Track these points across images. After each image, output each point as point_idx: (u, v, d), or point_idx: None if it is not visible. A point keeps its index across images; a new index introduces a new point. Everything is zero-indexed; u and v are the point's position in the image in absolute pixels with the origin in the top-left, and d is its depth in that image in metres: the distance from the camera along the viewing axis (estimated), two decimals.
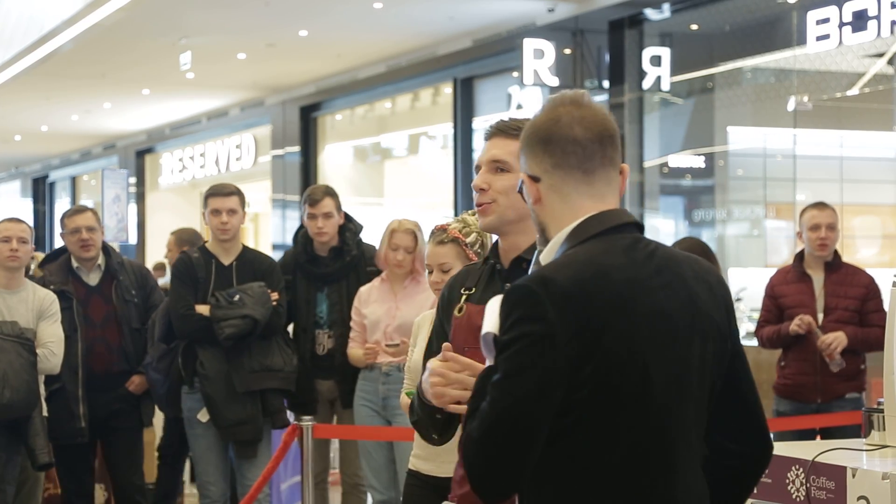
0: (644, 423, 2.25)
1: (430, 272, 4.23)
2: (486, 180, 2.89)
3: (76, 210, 6.49)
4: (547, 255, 2.40)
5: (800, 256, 6.38)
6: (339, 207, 6.29)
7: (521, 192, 2.48)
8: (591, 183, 2.38)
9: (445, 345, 2.71)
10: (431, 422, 2.85)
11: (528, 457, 2.21)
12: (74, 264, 6.39)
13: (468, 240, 4.12)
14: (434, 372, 2.65)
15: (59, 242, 6.62)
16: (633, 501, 2.26)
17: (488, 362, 2.32)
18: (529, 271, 2.57)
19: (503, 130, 2.92)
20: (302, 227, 6.37)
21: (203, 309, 5.94)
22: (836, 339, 6.02)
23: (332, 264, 6.27)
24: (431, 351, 3.01)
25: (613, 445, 2.24)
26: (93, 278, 6.40)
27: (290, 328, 6.39)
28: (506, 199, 2.88)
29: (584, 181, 2.37)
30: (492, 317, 2.33)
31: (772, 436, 2.56)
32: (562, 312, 2.20)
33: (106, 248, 6.46)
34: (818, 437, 5.89)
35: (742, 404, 2.44)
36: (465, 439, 2.24)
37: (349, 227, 6.32)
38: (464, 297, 2.95)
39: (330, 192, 6.30)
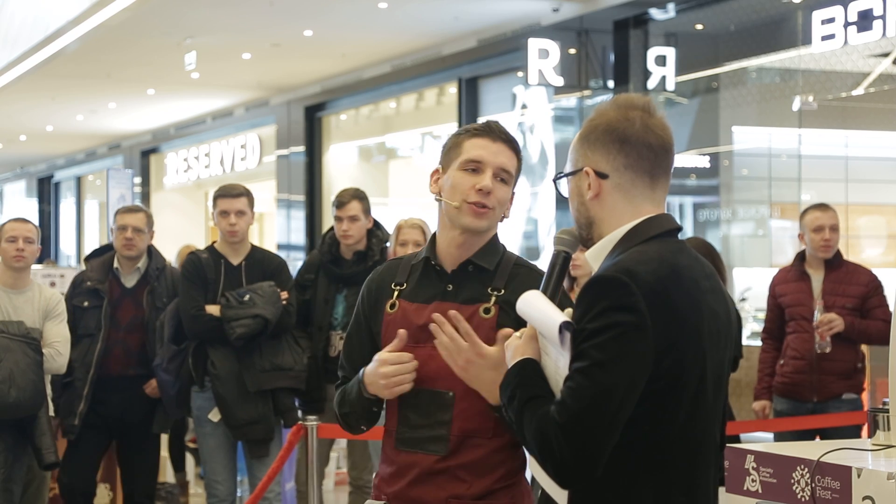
0: (697, 417, 2.39)
1: None
2: (494, 186, 2.89)
3: (129, 209, 6.47)
4: (599, 252, 2.47)
5: (801, 256, 6.39)
6: (366, 211, 6.30)
7: (556, 181, 2.54)
8: (654, 188, 2.48)
9: (401, 332, 2.82)
10: (366, 414, 2.93)
11: (612, 442, 2.29)
12: (115, 264, 6.39)
13: None
14: (387, 361, 2.80)
15: (64, 243, 6.62)
16: (684, 489, 2.40)
17: (554, 351, 2.35)
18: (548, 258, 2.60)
19: (510, 142, 2.94)
20: (333, 227, 6.39)
21: (213, 309, 5.95)
22: (832, 321, 6.04)
23: (354, 267, 6.28)
24: (352, 344, 3.03)
25: (671, 436, 2.36)
26: (130, 280, 6.38)
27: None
28: (500, 210, 2.93)
29: (650, 186, 2.47)
30: (546, 307, 2.38)
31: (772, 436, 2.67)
32: (650, 305, 2.29)
33: (150, 253, 6.45)
34: (817, 438, 5.88)
35: (725, 400, 2.60)
36: (545, 425, 2.27)
37: (376, 234, 6.33)
38: (396, 292, 2.95)
39: (358, 196, 6.30)
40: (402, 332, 2.83)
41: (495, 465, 2.85)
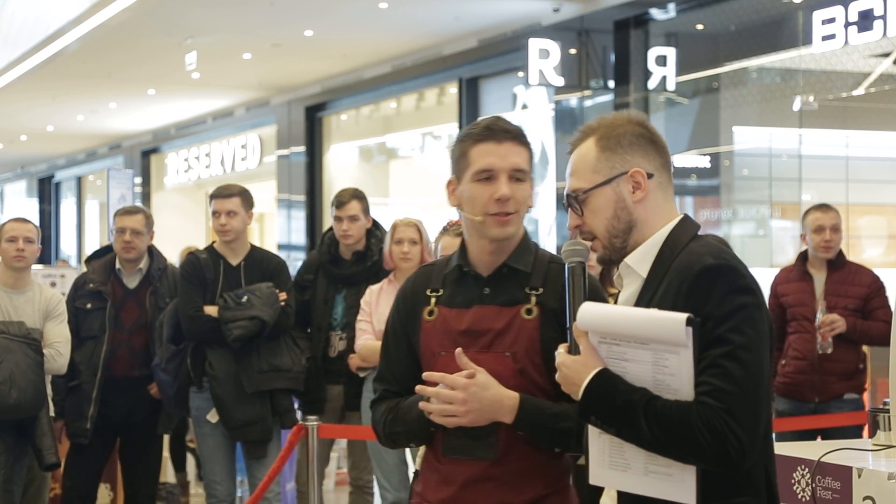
0: (771, 383, 2.50)
1: None
2: (511, 190, 2.82)
3: (126, 210, 6.47)
4: (644, 255, 2.50)
5: (803, 256, 6.38)
6: (366, 211, 6.29)
7: (577, 199, 2.53)
8: (672, 188, 2.58)
9: (464, 362, 2.74)
10: (422, 434, 2.88)
11: None
12: (117, 265, 6.39)
13: None
14: (447, 398, 2.72)
15: (64, 243, 6.62)
16: (773, 461, 2.49)
17: (649, 353, 2.34)
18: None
19: (516, 137, 2.84)
20: (331, 227, 6.38)
21: (211, 310, 5.94)
22: (834, 322, 6.04)
23: (353, 267, 6.27)
24: (390, 356, 2.97)
25: (769, 411, 2.44)
26: (132, 281, 6.37)
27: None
28: (524, 210, 2.87)
29: (671, 185, 2.57)
30: (641, 311, 2.38)
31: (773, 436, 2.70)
32: (756, 285, 2.40)
33: (151, 253, 6.45)
34: (818, 438, 5.88)
35: None
36: (707, 417, 2.28)
37: (375, 234, 6.32)
38: (433, 298, 2.90)
39: (357, 196, 6.30)
40: (465, 363, 2.74)
41: (543, 470, 2.82)
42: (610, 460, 2.41)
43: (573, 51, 11.54)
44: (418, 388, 2.78)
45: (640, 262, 2.50)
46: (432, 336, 2.86)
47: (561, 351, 2.47)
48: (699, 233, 2.54)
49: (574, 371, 2.42)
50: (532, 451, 2.79)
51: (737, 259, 2.42)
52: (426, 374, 2.77)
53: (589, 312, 2.42)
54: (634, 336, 2.35)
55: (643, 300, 2.45)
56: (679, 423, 2.29)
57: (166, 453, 7.85)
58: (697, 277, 2.36)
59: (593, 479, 2.46)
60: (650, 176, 2.50)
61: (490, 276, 2.87)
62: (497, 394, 2.72)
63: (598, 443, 2.43)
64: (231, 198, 5.99)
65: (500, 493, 2.79)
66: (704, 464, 2.31)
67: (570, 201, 2.55)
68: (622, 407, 2.35)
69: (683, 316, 2.29)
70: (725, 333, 2.31)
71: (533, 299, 2.81)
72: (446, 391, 2.72)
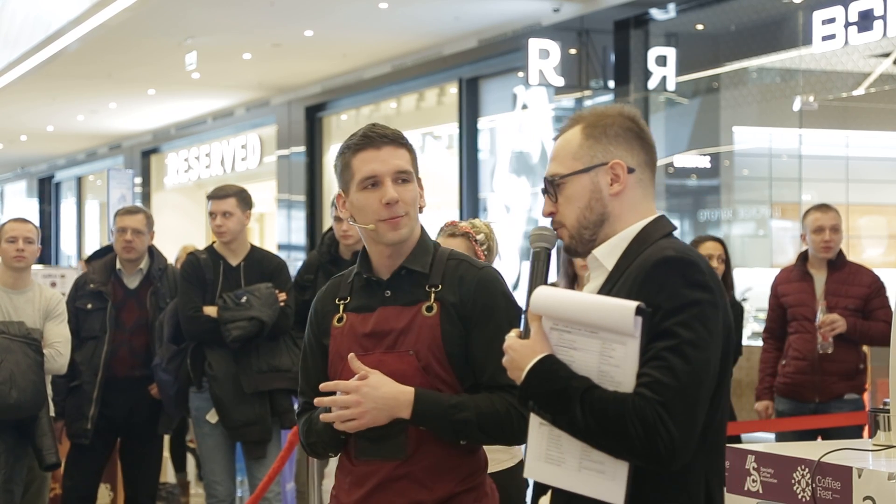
0: (728, 391, 2.42)
1: None
2: (398, 192, 2.87)
3: (127, 210, 6.48)
4: (613, 249, 2.47)
5: (803, 256, 6.38)
6: None
7: (553, 184, 2.50)
8: (654, 187, 2.54)
9: (354, 364, 2.80)
10: (334, 442, 2.91)
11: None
12: (118, 265, 6.39)
13: (478, 237, 4.17)
14: (343, 403, 2.76)
15: (64, 243, 6.62)
16: (721, 476, 2.44)
17: (596, 341, 2.32)
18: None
19: (394, 140, 2.90)
20: (331, 227, 6.37)
21: (211, 310, 5.94)
22: (835, 322, 6.04)
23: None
24: (308, 368, 3.02)
25: (719, 420, 2.40)
26: (132, 281, 6.38)
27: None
28: (414, 211, 2.92)
29: (653, 184, 2.53)
30: (592, 297, 2.36)
31: (773, 436, 2.70)
32: (715, 285, 2.35)
33: (152, 253, 6.45)
34: (819, 438, 5.88)
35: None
36: (640, 408, 2.23)
37: None
38: (341, 306, 2.96)
39: None
40: (355, 364, 2.80)
41: (456, 467, 2.84)
42: (546, 453, 2.37)
43: (573, 51, 11.54)
44: (316, 400, 2.83)
45: (607, 255, 2.47)
46: (340, 341, 2.92)
47: (511, 334, 2.45)
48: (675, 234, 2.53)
49: (520, 355, 2.39)
50: (442, 449, 2.81)
51: (702, 258, 2.39)
52: (322, 385, 2.83)
53: (542, 296, 2.40)
54: (584, 322, 2.33)
55: (603, 292, 2.42)
56: (613, 412, 2.24)
57: (166, 453, 7.85)
58: (653, 267, 2.33)
59: (527, 472, 2.43)
60: (631, 171, 2.46)
61: (390, 279, 2.92)
62: (390, 390, 2.76)
63: (537, 434, 2.40)
64: (227, 199, 5.98)
65: (411, 491, 2.81)
66: (633, 457, 2.26)
67: (547, 186, 2.53)
68: (560, 392, 2.31)
69: (633, 304, 2.26)
70: (673, 326, 2.26)
71: (432, 296, 2.86)
72: (341, 397, 2.77)
